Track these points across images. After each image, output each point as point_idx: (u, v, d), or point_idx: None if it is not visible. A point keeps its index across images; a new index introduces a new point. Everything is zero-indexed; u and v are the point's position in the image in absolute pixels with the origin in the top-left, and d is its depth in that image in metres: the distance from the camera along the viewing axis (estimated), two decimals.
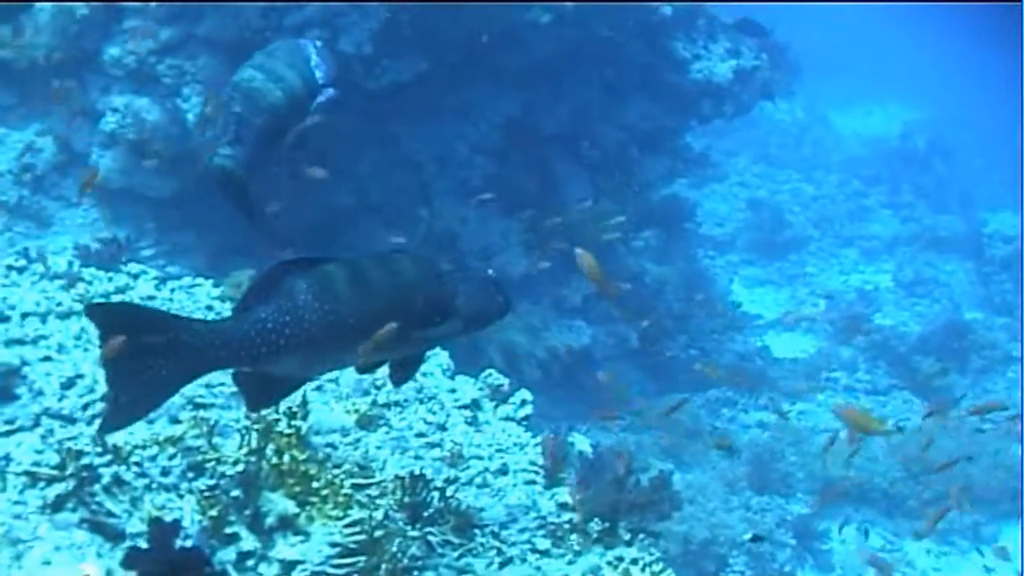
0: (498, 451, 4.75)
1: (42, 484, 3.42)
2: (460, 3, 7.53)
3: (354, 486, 3.70)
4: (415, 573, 3.67)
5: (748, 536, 7.77)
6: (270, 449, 3.59)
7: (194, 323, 3.13)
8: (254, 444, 3.57)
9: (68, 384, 4.18)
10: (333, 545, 3.40)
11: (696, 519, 8.13)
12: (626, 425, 8.81)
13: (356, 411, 4.58)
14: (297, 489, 3.55)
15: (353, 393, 4.75)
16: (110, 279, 5.32)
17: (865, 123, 22.18)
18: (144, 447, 3.66)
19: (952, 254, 15.59)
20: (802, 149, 19.23)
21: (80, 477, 3.39)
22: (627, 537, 4.18)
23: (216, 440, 3.75)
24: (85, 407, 4.08)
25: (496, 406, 5.17)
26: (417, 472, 4.00)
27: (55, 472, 3.42)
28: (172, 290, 5.40)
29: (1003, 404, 7.17)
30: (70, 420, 4.02)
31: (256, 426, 3.64)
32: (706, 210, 14.29)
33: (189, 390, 4.14)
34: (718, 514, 8.39)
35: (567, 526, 4.22)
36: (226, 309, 5.21)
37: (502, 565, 3.91)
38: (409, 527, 3.83)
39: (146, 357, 2.95)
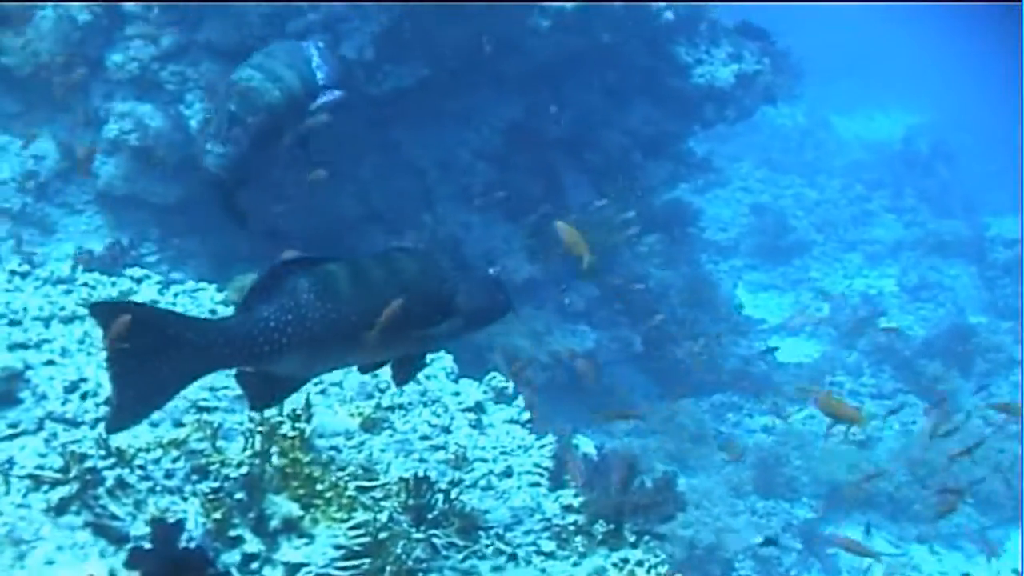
0: (502, 453, 4.75)
1: (46, 487, 3.41)
2: (461, 4, 7.53)
3: (358, 488, 3.68)
4: (420, 575, 3.66)
5: (760, 539, 7.75)
6: (274, 452, 3.58)
7: (197, 321, 3.13)
8: (258, 447, 3.56)
9: (71, 388, 4.18)
10: (337, 547, 3.38)
11: (702, 523, 8.12)
12: (630, 429, 8.80)
13: (360, 414, 4.56)
14: (301, 492, 3.53)
15: (357, 396, 4.75)
16: (113, 283, 5.32)
17: (867, 127, 22.20)
18: (148, 450, 3.65)
19: (956, 258, 15.57)
20: (805, 153, 19.24)
21: (84, 480, 3.38)
22: (632, 539, 4.17)
23: (220, 443, 3.74)
24: (88, 411, 4.08)
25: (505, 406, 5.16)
26: (421, 474, 3.98)
27: (59, 475, 3.41)
28: (175, 295, 5.40)
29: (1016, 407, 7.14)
30: (74, 424, 4.01)
31: (260, 429, 3.64)
32: (709, 215, 14.29)
33: (192, 393, 4.16)
34: (723, 518, 8.37)
35: (572, 528, 4.21)
36: (229, 313, 5.21)
37: (507, 567, 3.90)
38: (413, 529, 3.82)
39: (149, 355, 2.93)
